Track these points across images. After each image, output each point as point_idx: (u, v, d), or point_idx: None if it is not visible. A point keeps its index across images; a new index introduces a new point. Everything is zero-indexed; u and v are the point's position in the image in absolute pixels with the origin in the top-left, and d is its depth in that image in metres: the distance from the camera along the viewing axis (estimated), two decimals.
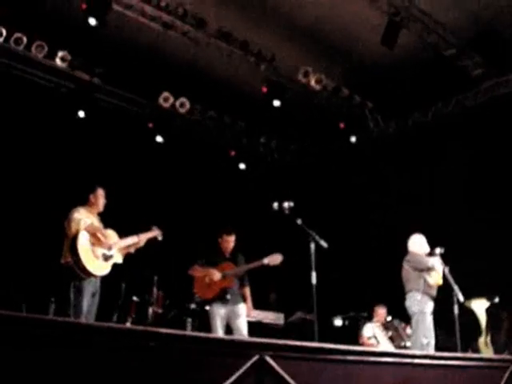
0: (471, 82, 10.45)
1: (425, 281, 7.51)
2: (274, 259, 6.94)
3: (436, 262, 7.55)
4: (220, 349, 3.27)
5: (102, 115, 10.42)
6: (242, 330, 6.86)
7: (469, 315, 9.12)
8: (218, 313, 6.88)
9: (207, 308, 7.09)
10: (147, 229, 6.49)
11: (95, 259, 5.79)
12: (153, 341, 2.97)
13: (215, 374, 3.17)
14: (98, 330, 3.01)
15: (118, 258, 6.08)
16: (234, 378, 3.15)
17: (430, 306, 7.52)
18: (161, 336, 3.05)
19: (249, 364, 3.25)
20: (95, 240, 5.85)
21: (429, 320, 7.48)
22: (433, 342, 7.40)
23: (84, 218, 5.88)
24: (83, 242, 5.72)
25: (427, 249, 7.83)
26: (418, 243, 7.93)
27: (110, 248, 5.95)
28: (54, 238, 6.00)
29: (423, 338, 7.33)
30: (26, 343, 2.71)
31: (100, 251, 5.85)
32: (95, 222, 6.06)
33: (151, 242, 6.52)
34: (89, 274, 5.73)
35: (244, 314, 7.00)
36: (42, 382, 2.71)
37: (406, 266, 7.79)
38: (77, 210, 5.93)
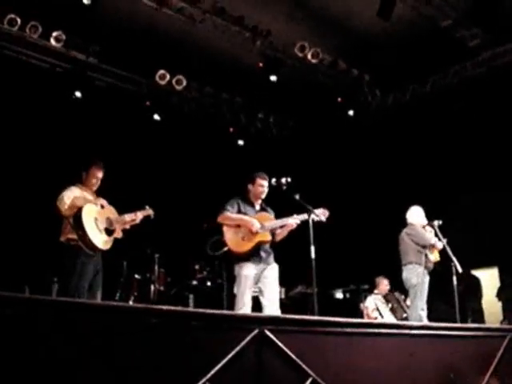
0: (469, 53, 10.41)
1: (426, 256, 7.58)
2: (319, 213, 6.05)
3: (436, 240, 7.65)
4: (220, 324, 3.32)
5: (99, 94, 10.39)
6: (274, 297, 5.92)
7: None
8: (250, 273, 5.88)
9: (236, 265, 5.99)
10: (142, 208, 6.48)
11: (99, 233, 5.80)
12: (155, 318, 3.02)
13: (216, 348, 3.23)
14: (101, 308, 3.05)
15: (119, 234, 6.09)
16: (234, 352, 3.21)
17: (427, 279, 7.61)
18: (162, 313, 3.09)
19: (249, 338, 3.30)
20: (97, 214, 5.85)
21: (426, 293, 7.58)
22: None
23: (75, 194, 5.84)
24: (87, 217, 5.72)
25: (425, 221, 7.88)
26: (416, 215, 7.97)
27: (111, 223, 5.97)
28: (53, 218, 5.99)
29: (420, 310, 7.44)
30: (29, 325, 2.75)
31: (103, 225, 5.87)
32: (90, 199, 6.00)
33: (146, 220, 6.52)
34: (95, 248, 5.74)
35: (277, 278, 6.10)
36: (45, 363, 2.75)
37: (405, 239, 7.83)
38: (69, 189, 5.88)
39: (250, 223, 5.93)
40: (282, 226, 6.07)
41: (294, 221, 5.98)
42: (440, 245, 7.60)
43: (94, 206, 5.92)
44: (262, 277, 5.94)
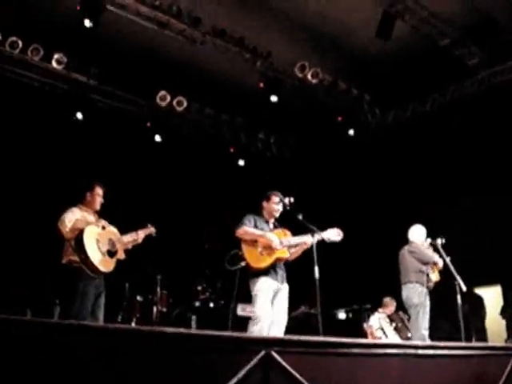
0: (468, 71, 10.47)
1: (427, 275, 7.58)
2: (334, 234, 6.06)
3: (437, 257, 7.67)
4: (226, 346, 3.28)
5: (100, 116, 10.43)
6: (282, 319, 5.82)
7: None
8: (271, 287, 5.76)
9: (255, 280, 5.82)
10: (143, 226, 6.47)
11: (101, 256, 5.76)
12: (159, 340, 2.99)
13: (222, 371, 3.19)
14: (105, 331, 3.03)
15: (121, 255, 6.06)
16: (241, 374, 3.17)
17: (428, 299, 7.59)
18: (167, 335, 3.07)
19: (255, 360, 3.26)
20: (98, 236, 5.81)
21: (428, 312, 7.55)
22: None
23: (76, 217, 5.82)
24: (88, 239, 5.68)
25: (426, 239, 7.89)
26: (418, 233, 7.98)
27: (113, 245, 5.94)
28: (55, 240, 5.97)
29: (424, 329, 7.40)
30: (32, 347, 2.72)
31: (104, 248, 5.83)
32: (91, 220, 5.97)
33: (148, 238, 6.50)
34: (97, 271, 5.69)
35: (287, 299, 5.99)
36: None
37: (407, 256, 7.82)
38: (70, 210, 5.85)
39: (269, 238, 5.82)
40: (297, 245, 5.98)
41: (310, 239, 5.87)
42: (441, 263, 7.61)
43: (96, 227, 5.89)
44: (275, 296, 5.84)
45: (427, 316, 7.52)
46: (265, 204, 6.17)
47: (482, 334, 9.83)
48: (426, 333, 7.41)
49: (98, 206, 6.11)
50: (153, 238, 6.52)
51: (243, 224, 5.92)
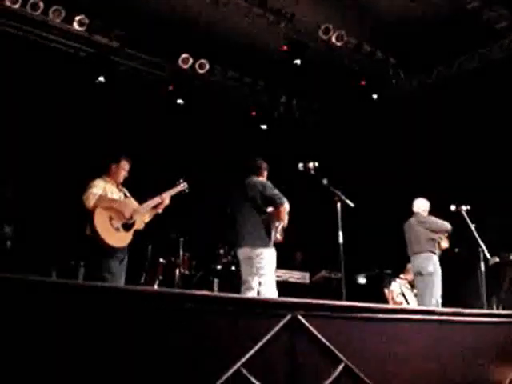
0: (496, 35, 10.23)
1: (438, 243, 7.71)
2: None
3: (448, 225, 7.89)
4: (253, 309, 3.31)
5: (122, 79, 10.40)
6: None
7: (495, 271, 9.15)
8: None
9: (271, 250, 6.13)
10: (170, 187, 6.49)
11: (115, 232, 5.83)
12: (189, 303, 3.02)
13: (249, 334, 3.22)
14: (136, 293, 3.06)
15: (140, 225, 6.11)
16: (268, 337, 3.20)
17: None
18: (196, 298, 3.09)
19: (282, 323, 3.29)
20: (113, 212, 5.86)
21: (440, 280, 7.69)
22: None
23: (100, 191, 5.88)
24: (100, 219, 5.76)
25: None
26: (424, 205, 8.20)
27: (130, 217, 5.97)
28: (80, 205, 6.03)
29: (438, 297, 7.50)
30: (58, 309, 2.76)
31: (119, 223, 5.87)
32: (114, 192, 6.06)
33: (180, 195, 6.52)
34: (112, 248, 5.79)
35: None
36: (76, 348, 2.76)
37: (417, 227, 8.02)
38: (93, 184, 5.91)
39: None
40: None
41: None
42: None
43: (112, 201, 5.92)
44: None
45: (440, 284, 7.63)
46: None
47: None
48: (440, 300, 7.53)
49: (121, 179, 6.18)
50: (186, 193, 6.54)
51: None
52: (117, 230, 5.85)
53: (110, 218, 5.83)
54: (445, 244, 7.95)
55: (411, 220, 8.19)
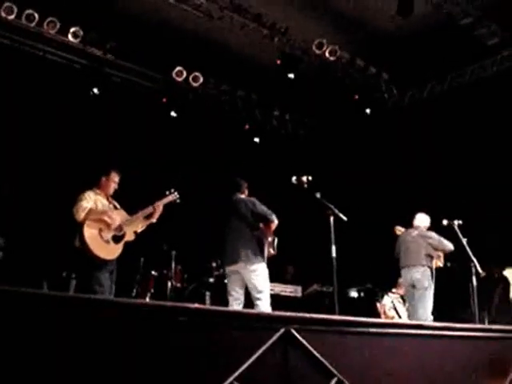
0: (487, 52, 10.33)
1: (432, 260, 7.77)
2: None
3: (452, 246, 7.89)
4: (247, 323, 3.31)
5: (116, 91, 10.41)
6: None
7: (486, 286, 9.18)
8: None
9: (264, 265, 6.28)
10: (161, 197, 6.47)
11: (105, 244, 5.82)
12: (181, 316, 3.01)
13: (242, 347, 3.22)
14: (127, 306, 3.05)
15: (131, 236, 6.09)
16: (261, 350, 3.20)
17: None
18: (190, 311, 3.09)
19: (275, 337, 3.29)
20: (102, 225, 5.85)
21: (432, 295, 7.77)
22: None
23: (90, 204, 5.87)
24: (90, 231, 5.76)
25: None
26: (426, 222, 8.22)
27: (120, 229, 5.96)
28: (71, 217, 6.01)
29: (429, 312, 7.56)
30: (50, 321, 2.75)
31: (109, 235, 5.86)
32: (104, 204, 6.06)
33: (171, 206, 6.51)
34: (102, 260, 5.77)
35: None
36: (66, 360, 2.75)
37: (420, 241, 7.98)
38: (83, 197, 5.92)
39: None
40: None
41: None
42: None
43: (102, 213, 5.91)
44: None
45: (432, 298, 7.73)
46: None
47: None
48: (430, 317, 7.59)
49: (111, 192, 6.20)
50: (177, 204, 6.53)
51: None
52: (107, 242, 5.84)
53: (100, 230, 5.82)
54: (440, 263, 7.97)
55: (411, 232, 8.18)
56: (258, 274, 6.06)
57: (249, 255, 6.05)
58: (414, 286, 7.88)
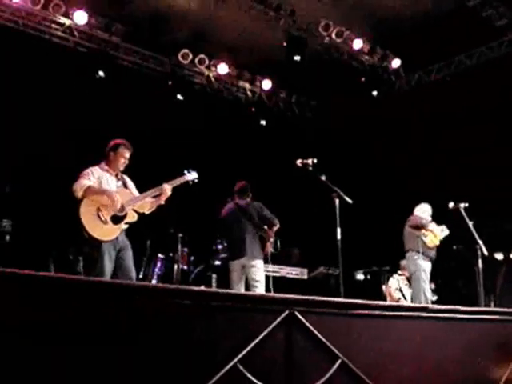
0: (495, 33, 10.23)
1: (421, 240, 7.71)
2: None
3: (433, 225, 7.89)
4: (251, 305, 3.32)
5: (121, 74, 10.39)
6: None
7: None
8: None
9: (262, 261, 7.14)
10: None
11: (102, 224, 5.51)
12: (187, 299, 3.03)
13: (246, 329, 3.24)
14: (134, 289, 3.07)
15: (133, 217, 5.79)
16: (264, 333, 3.22)
17: (427, 265, 7.73)
18: (194, 294, 3.11)
19: (279, 319, 3.31)
20: (102, 204, 5.56)
21: (428, 278, 7.77)
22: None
23: (91, 181, 5.61)
24: (86, 210, 5.49)
25: (429, 217, 8.04)
26: (422, 210, 8.18)
27: (121, 209, 5.65)
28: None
29: (427, 293, 7.56)
30: (55, 303, 2.77)
31: (108, 215, 5.56)
32: (110, 181, 5.79)
33: (190, 186, 6.34)
34: (97, 241, 5.50)
35: None
36: (72, 342, 2.78)
37: (406, 226, 8.07)
38: (85, 173, 5.67)
39: None
40: None
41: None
42: (437, 229, 7.87)
43: (103, 192, 5.64)
44: None
45: (427, 281, 7.75)
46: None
47: None
48: (429, 296, 7.59)
49: (120, 167, 5.88)
50: (195, 184, 6.41)
51: None
52: (104, 222, 5.53)
53: (98, 210, 5.52)
54: (433, 241, 7.85)
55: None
56: (258, 268, 6.97)
57: (253, 252, 6.97)
58: (409, 273, 8.13)
